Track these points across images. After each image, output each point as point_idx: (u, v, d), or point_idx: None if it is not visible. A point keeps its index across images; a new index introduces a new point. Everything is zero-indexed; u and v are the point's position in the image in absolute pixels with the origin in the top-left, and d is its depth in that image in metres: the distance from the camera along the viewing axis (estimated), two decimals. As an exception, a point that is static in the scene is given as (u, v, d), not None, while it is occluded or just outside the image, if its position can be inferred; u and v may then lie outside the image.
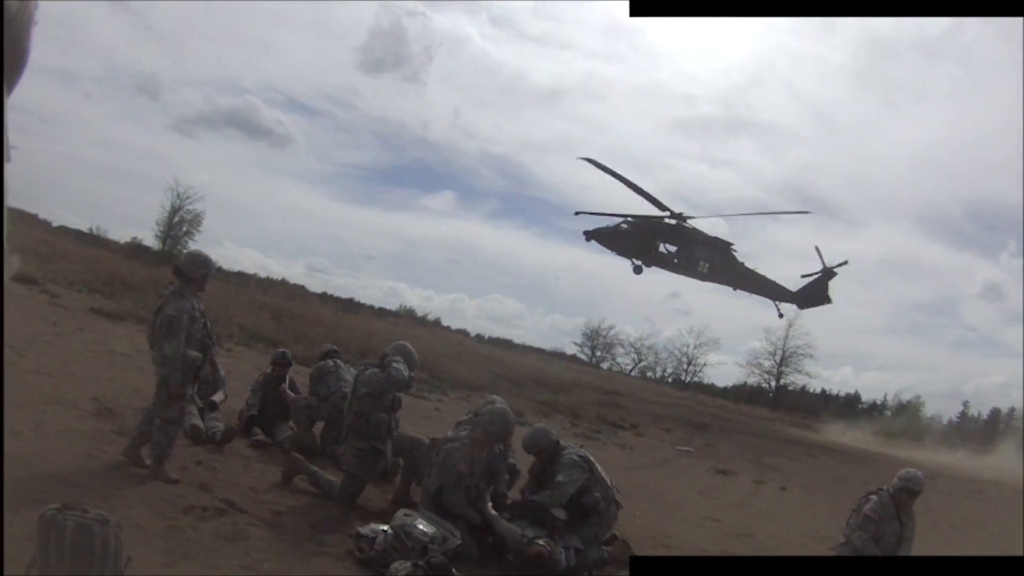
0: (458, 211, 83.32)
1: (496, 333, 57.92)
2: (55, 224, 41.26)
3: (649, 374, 61.29)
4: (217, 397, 9.16)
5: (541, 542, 6.63)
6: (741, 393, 57.55)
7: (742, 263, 35.42)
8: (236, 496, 6.72)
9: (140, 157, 70.19)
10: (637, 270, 34.78)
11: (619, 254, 34.83)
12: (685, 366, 61.23)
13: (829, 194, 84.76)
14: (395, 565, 5.57)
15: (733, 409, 41.88)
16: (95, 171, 67.79)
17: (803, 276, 35.08)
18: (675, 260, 34.93)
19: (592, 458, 7.53)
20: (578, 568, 6.92)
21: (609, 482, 7.47)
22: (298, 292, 42.75)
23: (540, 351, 54.36)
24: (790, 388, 57.60)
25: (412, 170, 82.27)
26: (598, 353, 62.18)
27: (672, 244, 34.80)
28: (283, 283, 45.80)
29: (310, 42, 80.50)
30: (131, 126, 70.41)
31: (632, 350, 62.37)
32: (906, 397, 56.95)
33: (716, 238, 35.02)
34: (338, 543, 6.25)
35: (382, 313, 47.56)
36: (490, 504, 7.01)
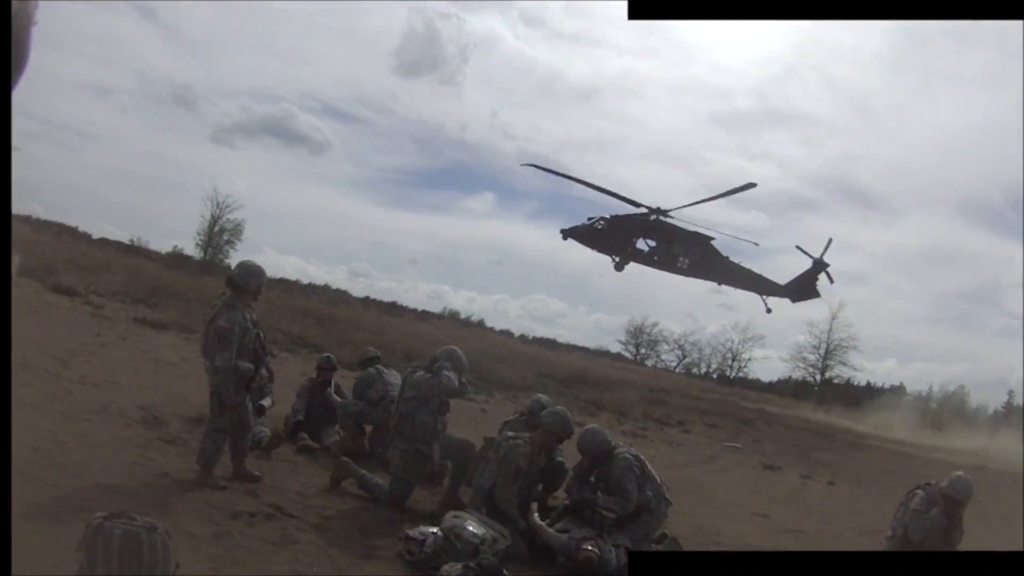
0: (499, 212, 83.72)
1: (540, 333, 57.90)
2: (96, 236, 41.99)
3: (694, 371, 60.98)
4: (264, 403, 9.16)
5: (589, 546, 6.50)
6: (786, 387, 56.99)
7: (726, 257, 34.39)
8: (284, 501, 6.71)
9: (179, 168, 71.15)
10: (618, 267, 34.12)
11: (598, 251, 34.01)
12: (730, 362, 60.85)
13: (868, 184, 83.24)
14: (446, 567, 5.48)
15: (779, 403, 41.39)
16: (134, 183, 69.22)
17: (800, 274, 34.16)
18: (654, 256, 34.13)
19: (642, 456, 7.44)
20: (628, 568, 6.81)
21: (659, 480, 7.38)
22: (341, 297, 43.21)
23: (584, 350, 54.29)
24: (835, 381, 56.81)
25: (452, 172, 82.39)
26: (642, 351, 62.11)
27: (651, 240, 34.01)
28: (326, 288, 46.39)
29: (344, 48, 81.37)
30: (168, 137, 71.06)
31: (676, 347, 62.17)
32: (951, 387, 55.46)
33: (695, 232, 33.80)
34: (387, 546, 6.20)
35: (425, 316, 47.73)
36: (536, 515, 6.91)
